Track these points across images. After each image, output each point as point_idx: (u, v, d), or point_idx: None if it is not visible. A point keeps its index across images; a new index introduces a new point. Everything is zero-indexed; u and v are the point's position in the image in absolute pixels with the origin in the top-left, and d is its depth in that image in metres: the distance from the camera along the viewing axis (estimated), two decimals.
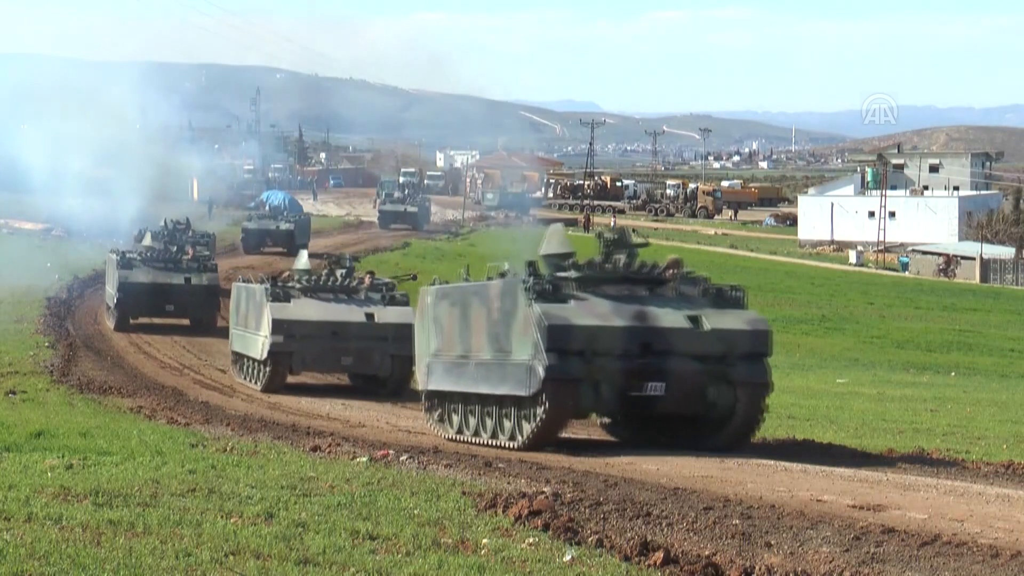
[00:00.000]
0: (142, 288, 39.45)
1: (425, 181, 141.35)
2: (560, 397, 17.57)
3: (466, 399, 19.80)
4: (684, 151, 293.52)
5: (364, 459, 16.55)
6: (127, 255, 40.45)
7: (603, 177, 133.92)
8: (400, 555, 10.68)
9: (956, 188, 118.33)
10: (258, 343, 28.93)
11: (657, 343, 17.82)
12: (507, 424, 18.75)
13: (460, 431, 20.01)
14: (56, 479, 13.80)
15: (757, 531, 11.96)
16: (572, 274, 18.54)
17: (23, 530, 11.03)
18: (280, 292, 28.78)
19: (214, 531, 11.22)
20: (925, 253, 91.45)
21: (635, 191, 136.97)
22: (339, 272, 29.49)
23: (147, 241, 41.89)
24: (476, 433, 19.55)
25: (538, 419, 17.84)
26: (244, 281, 32.13)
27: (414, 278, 32.56)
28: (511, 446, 18.46)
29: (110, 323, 40.86)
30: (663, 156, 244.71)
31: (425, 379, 20.97)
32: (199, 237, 56.48)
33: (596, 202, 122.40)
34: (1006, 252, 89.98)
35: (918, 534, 11.73)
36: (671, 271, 19.03)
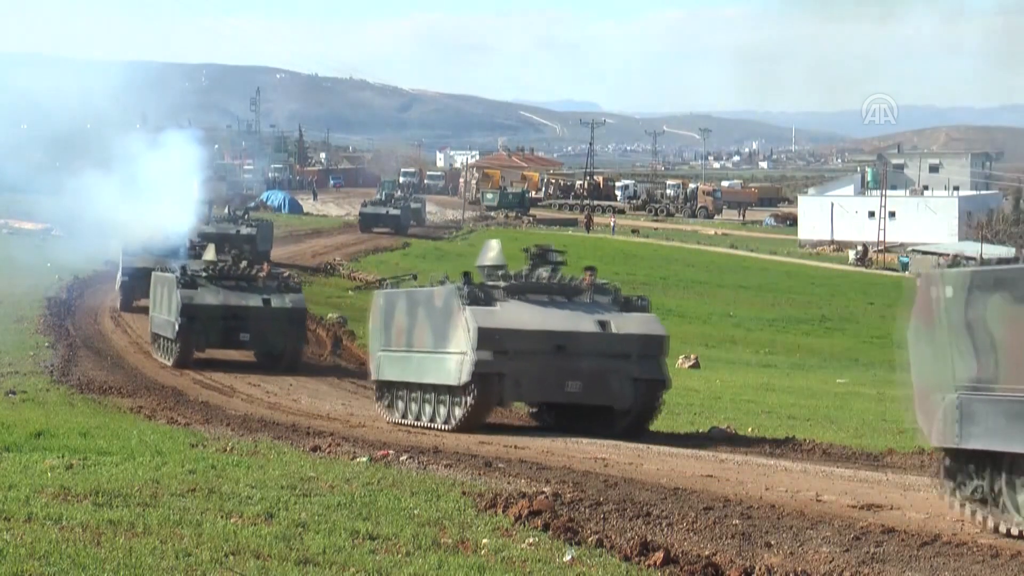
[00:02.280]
0: (211, 313, 33.17)
1: (425, 181, 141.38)
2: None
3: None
4: (684, 151, 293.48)
5: (364, 459, 16.56)
6: (189, 271, 34.20)
7: (596, 177, 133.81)
8: (400, 555, 10.68)
9: (956, 188, 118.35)
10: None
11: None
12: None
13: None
14: (56, 479, 13.79)
15: (757, 531, 11.96)
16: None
17: (23, 530, 11.03)
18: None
19: (214, 531, 11.22)
20: (925, 253, 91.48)
21: (635, 191, 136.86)
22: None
23: (209, 255, 35.38)
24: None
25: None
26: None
27: (414, 278, 32.61)
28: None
29: (161, 358, 34.29)
30: (663, 156, 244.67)
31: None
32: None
33: (596, 202, 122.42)
34: (1006, 252, 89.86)
35: (918, 534, 11.73)
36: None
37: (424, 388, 22.16)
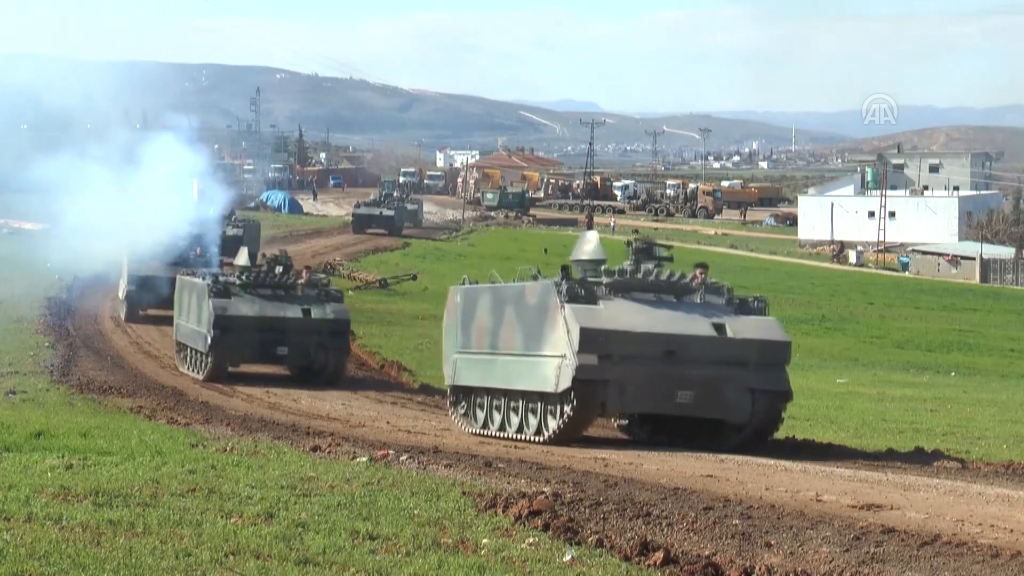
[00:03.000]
0: (246, 325, 30.22)
1: (425, 181, 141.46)
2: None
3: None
4: (684, 151, 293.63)
5: (364, 459, 16.55)
6: (222, 279, 31.46)
7: (594, 177, 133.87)
8: (400, 555, 10.68)
9: (956, 188, 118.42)
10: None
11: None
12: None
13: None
14: (56, 479, 13.79)
15: (757, 531, 11.95)
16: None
17: (23, 530, 11.03)
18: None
19: (214, 531, 11.22)
20: (925, 253, 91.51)
21: (635, 191, 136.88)
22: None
23: (242, 260, 32.11)
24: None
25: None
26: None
27: (414, 278, 32.79)
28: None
29: (190, 371, 31.82)
30: (663, 156, 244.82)
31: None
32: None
33: (596, 202, 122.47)
34: (1006, 252, 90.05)
35: (918, 534, 11.73)
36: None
37: (511, 395, 20.06)
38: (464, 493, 13.59)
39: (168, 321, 39.88)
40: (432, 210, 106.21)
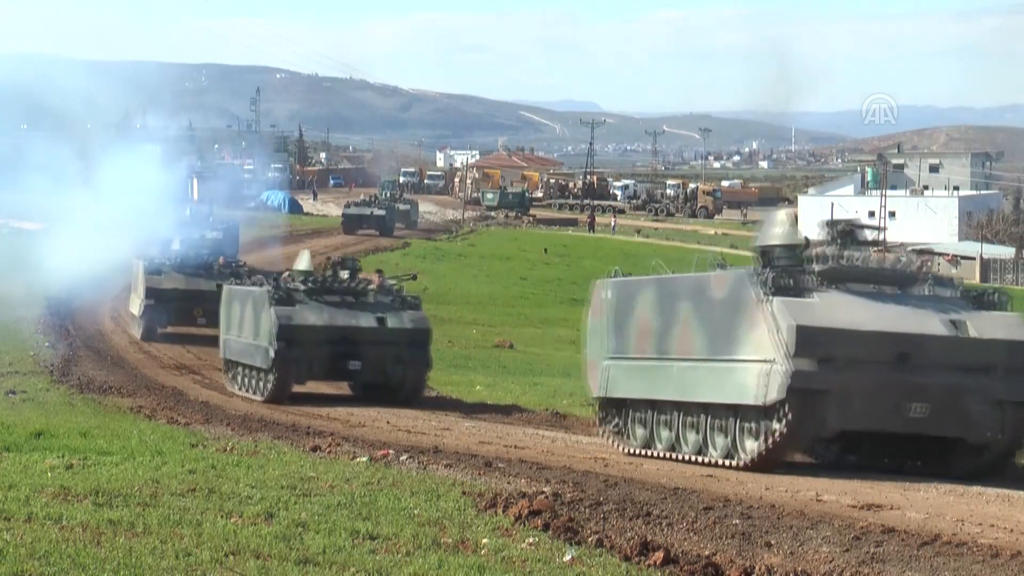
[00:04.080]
0: (314, 337, 26.65)
1: (425, 181, 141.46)
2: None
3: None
4: (684, 151, 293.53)
5: (364, 459, 16.55)
6: (282, 283, 27.63)
7: (590, 177, 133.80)
8: (400, 555, 10.68)
9: (956, 188, 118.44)
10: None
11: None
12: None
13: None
14: (56, 479, 13.80)
15: (757, 531, 11.96)
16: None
17: (23, 530, 11.03)
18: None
19: (214, 531, 11.22)
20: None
21: (635, 191, 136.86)
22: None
23: (303, 263, 28.55)
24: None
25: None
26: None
27: (414, 278, 32.52)
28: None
29: (243, 392, 28.03)
30: (663, 156, 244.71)
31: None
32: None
33: (597, 202, 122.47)
34: (1006, 252, 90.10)
35: (918, 534, 11.73)
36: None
37: (687, 409, 17.06)
38: (464, 493, 13.59)
39: (182, 337, 37.65)
40: (432, 210, 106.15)
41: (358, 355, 26.65)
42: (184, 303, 36.88)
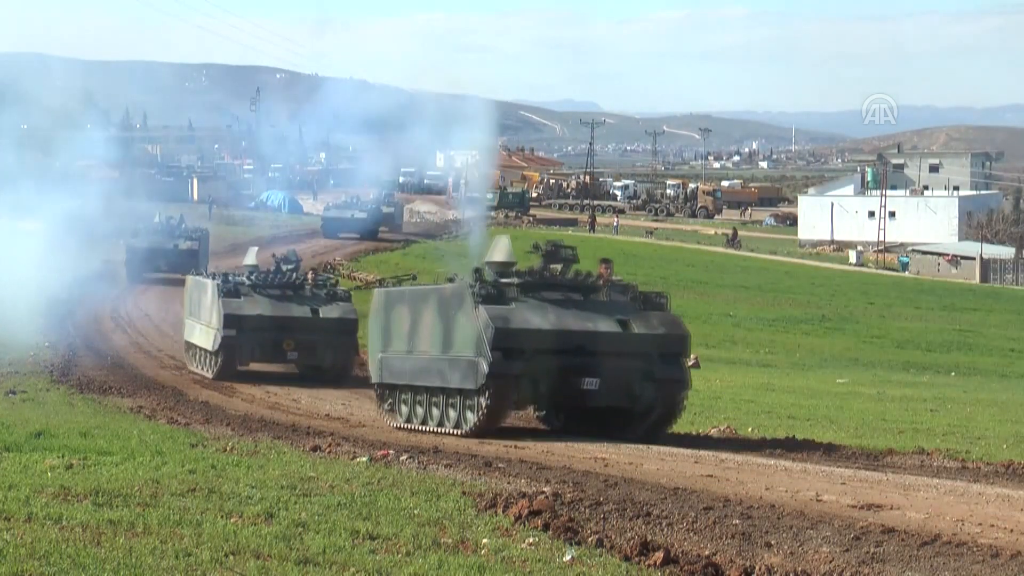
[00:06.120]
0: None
1: (425, 181, 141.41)
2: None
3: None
4: (684, 151, 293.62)
5: (364, 459, 16.55)
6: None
7: (585, 177, 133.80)
8: (400, 555, 10.68)
9: (956, 188, 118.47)
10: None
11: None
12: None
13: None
14: (56, 479, 13.80)
15: (757, 531, 11.95)
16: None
17: (23, 530, 11.03)
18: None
19: (214, 531, 11.22)
20: (925, 253, 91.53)
21: (635, 191, 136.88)
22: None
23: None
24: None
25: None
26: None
27: (414, 278, 33.16)
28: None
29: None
30: (663, 156, 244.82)
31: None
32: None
33: (597, 202, 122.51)
34: (1006, 252, 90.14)
35: (918, 534, 11.72)
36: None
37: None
38: (464, 493, 13.59)
39: (286, 377, 31.81)
40: (432, 210, 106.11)
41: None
42: (272, 333, 30.75)
